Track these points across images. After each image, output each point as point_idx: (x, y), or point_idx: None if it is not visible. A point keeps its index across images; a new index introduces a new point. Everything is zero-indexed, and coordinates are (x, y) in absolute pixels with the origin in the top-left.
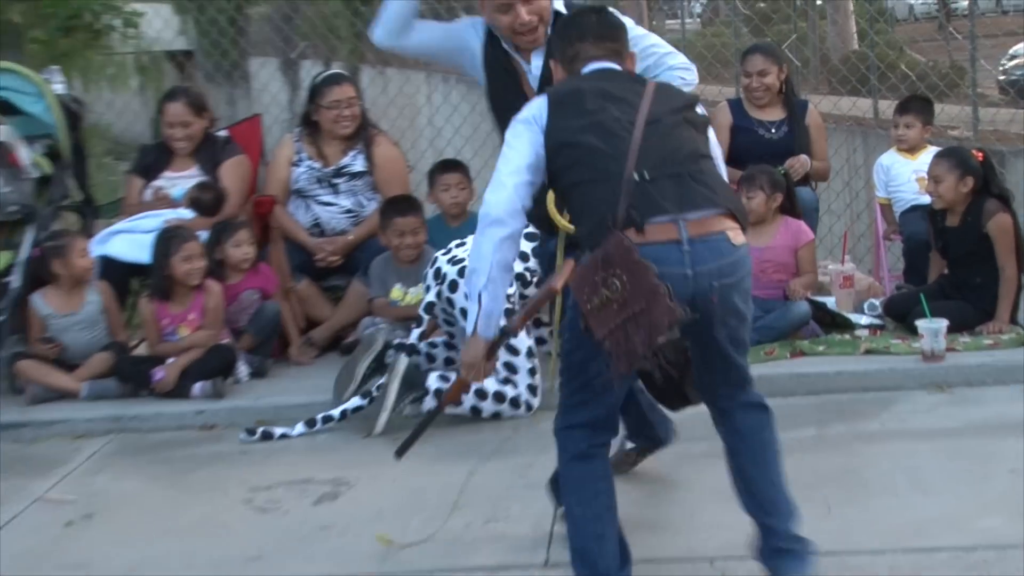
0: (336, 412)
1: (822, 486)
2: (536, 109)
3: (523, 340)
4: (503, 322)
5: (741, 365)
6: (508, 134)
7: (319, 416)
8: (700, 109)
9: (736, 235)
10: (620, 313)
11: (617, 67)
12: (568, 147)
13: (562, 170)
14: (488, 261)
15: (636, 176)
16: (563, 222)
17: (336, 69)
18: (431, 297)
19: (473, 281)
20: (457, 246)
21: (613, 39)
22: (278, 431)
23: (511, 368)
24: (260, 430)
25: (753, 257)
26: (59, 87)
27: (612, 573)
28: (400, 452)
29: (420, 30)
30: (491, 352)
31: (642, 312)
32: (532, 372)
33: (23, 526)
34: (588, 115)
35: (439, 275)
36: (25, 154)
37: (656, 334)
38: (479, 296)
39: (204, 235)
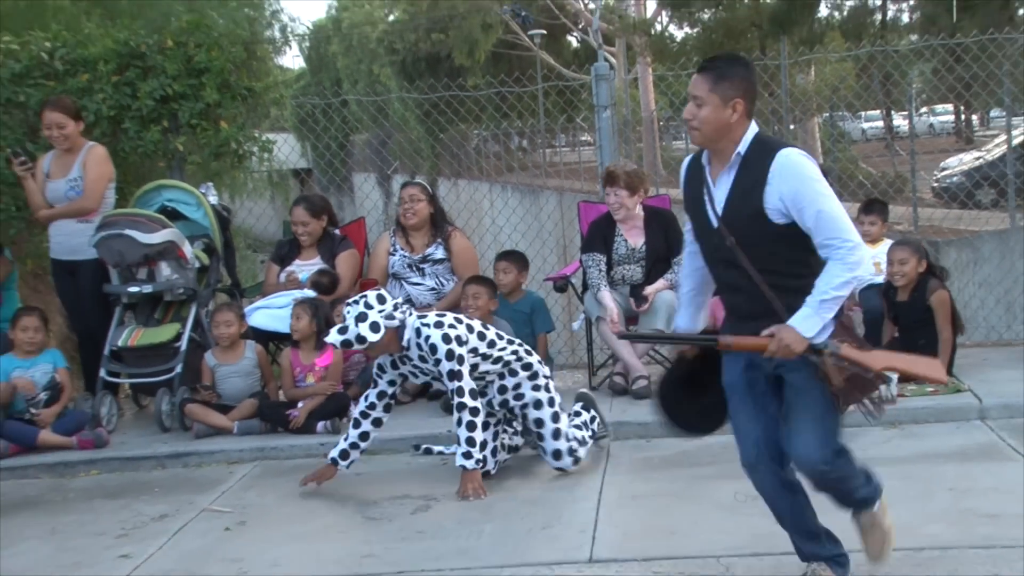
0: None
1: None
2: None
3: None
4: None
5: None
6: (828, 191)
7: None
8: None
9: None
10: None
11: None
12: None
13: None
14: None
15: None
16: None
17: (418, 180)
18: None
19: (838, 301)
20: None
21: None
22: (436, 448)
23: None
24: (423, 447)
25: None
26: (213, 198)
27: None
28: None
29: None
30: (804, 350)
31: (871, 380)
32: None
33: (192, 531)
34: None
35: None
36: (189, 250)
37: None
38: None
39: None
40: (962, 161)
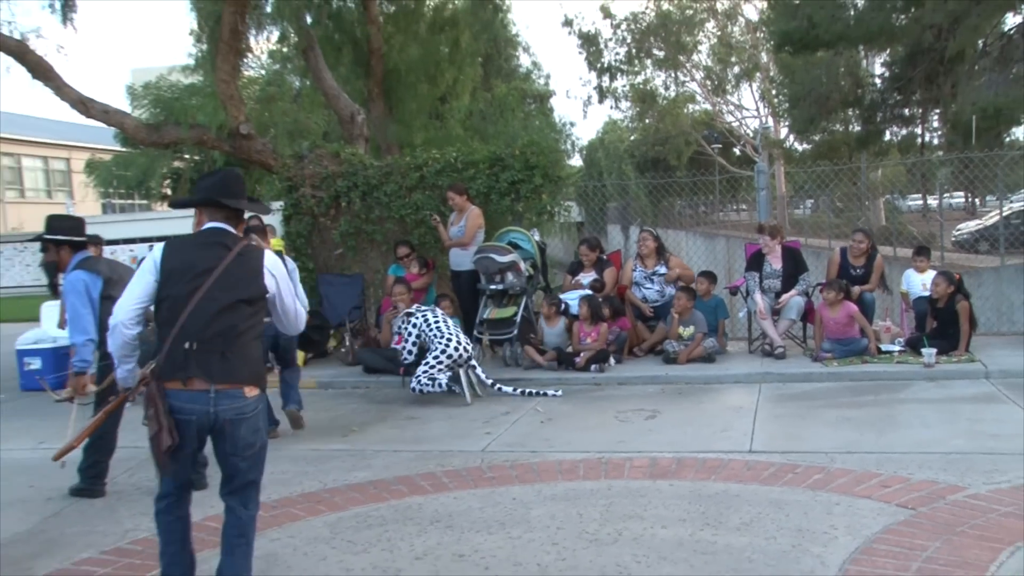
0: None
1: (876, 423)
2: None
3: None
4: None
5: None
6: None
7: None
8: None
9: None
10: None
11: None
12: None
13: None
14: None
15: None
16: None
17: (649, 228)
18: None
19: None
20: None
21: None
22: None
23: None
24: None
25: (832, 320)
26: (536, 237)
27: None
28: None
29: None
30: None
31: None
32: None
33: (522, 423)
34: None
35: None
36: (523, 266)
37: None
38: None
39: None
40: (969, 226)
